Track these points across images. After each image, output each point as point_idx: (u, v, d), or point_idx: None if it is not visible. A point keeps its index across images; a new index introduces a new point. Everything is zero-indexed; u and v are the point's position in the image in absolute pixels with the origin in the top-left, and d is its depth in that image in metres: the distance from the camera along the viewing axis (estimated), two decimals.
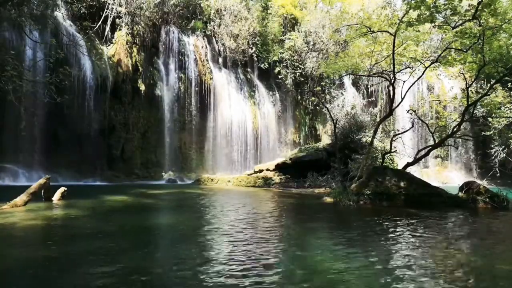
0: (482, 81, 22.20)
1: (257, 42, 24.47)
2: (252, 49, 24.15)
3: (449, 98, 22.50)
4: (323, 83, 25.58)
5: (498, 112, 18.04)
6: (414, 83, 13.71)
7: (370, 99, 26.16)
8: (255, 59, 25.00)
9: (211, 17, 23.46)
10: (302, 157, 17.75)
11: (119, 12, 19.38)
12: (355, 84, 27.88)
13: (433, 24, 12.12)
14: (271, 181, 16.55)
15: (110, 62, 18.71)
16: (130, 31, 19.73)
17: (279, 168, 17.54)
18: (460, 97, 20.01)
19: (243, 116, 23.20)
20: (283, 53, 25.21)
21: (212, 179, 17.56)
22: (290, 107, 26.34)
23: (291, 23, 26.78)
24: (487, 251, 5.08)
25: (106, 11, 18.87)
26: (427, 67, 12.97)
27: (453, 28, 11.26)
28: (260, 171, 17.90)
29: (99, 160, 17.81)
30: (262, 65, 24.93)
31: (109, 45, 19.28)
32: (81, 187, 13.86)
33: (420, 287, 3.51)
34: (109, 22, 19.10)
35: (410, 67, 13.84)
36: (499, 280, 3.87)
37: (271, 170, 17.60)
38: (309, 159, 17.46)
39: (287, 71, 25.33)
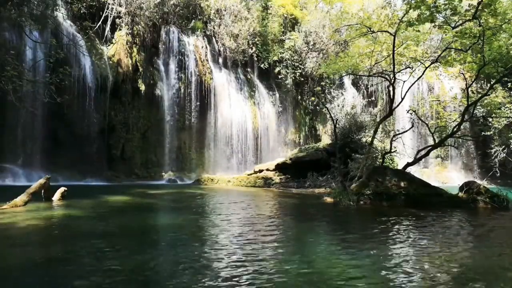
0: (482, 81, 22.20)
1: (257, 42, 24.46)
2: (252, 49, 24.14)
3: (449, 98, 22.48)
4: (323, 83, 25.57)
5: (498, 112, 18.04)
6: (414, 83, 13.70)
7: (370, 99, 26.14)
8: (255, 59, 24.99)
9: (211, 17, 23.45)
10: (302, 157, 17.74)
11: (119, 12, 19.37)
12: (355, 84, 27.87)
13: (433, 24, 12.13)
14: (271, 181, 16.54)
15: (110, 62, 18.71)
16: (130, 31, 19.72)
17: (279, 168, 17.53)
18: (460, 97, 20.00)
19: (243, 116, 23.20)
20: (283, 53, 25.21)
21: (212, 179, 17.55)
22: (290, 107, 26.33)
23: (291, 23, 26.77)
24: (487, 251, 5.08)
25: (106, 11, 18.87)
26: (427, 67, 12.98)
27: (453, 28, 11.27)
28: (260, 171, 17.90)
29: (99, 160, 17.81)
30: (262, 65, 24.92)
31: (109, 45, 19.27)
32: (81, 187, 13.86)
33: (420, 286, 3.51)
34: (109, 22, 19.10)
35: (410, 67, 13.84)
36: (499, 280, 3.87)
37: (271, 170, 17.59)
38: (309, 159, 17.46)
39: (287, 71, 25.32)
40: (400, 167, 13.48)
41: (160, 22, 21.24)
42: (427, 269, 4.05)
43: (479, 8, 10.12)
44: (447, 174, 25.13)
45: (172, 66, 21.24)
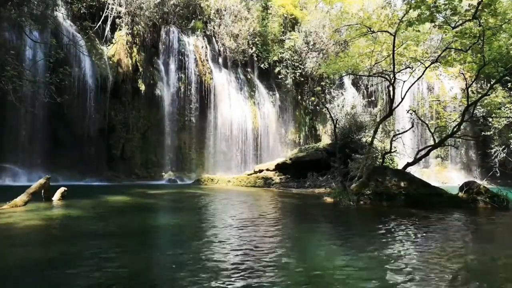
0: (482, 81, 22.20)
1: (257, 42, 24.46)
2: (252, 49, 24.14)
3: (449, 98, 22.48)
4: (323, 83, 25.57)
5: (498, 112, 18.04)
6: (414, 83, 13.70)
7: (370, 99, 26.14)
8: (255, 59, 24.99)
9: (211, 17, 23.45)
10: (302, 157, 17.74)
11: (119, 12, 19.37)
12: (355, 84, 27.87)
13: (433, 24, 12.13)
14: (271, 181, 16.54)
15: (110, 62, 18.71)
16: (130, 31, 19.72)
17: (279, 168, 17.53)
18: (460, 97, 20.00)
19: (243, 116, 23.20)
20: (283, 53, 25.21)
21: (212, 179, 17.55)
22: (290, 107, 26.32)
23: (291, 23, 26.77)
24: (487, 251, 5.08)
25: (106, 11, 18.87)
26: (427, 67, 12.97)
27: (453, 28, 11.27)
28: (260, 171, 17.90)
29: (99, 160, 17.80)
30: (262, 65, 24.91)
31: (109, 45, 19.27)
32: (81, 187, 13.86)
33: (421, 287, 3.51)
34: (109, 22, 19.10)
35: (410, 67, 13.84)
36: (500, 280, 3.87)
37: (271, 170, 17.59)
38: (309, 159, 17.46)
39: (287, 71, 25.32)
40: (400, 167, 13.49)
41: (160, 22, 21.23)
42: (428, 269, 4.05)
43: (479, 8, 10.12)
44: (447, 174, 25.13)
45: (172, 66, 21.23)
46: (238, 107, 23.11)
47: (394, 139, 13.57)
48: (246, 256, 4.36)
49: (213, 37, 23.44)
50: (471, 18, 10.53)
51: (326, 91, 25.16)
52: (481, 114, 18.02)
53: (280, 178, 16.77)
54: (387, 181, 10.21)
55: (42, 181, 8.50)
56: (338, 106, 20.41)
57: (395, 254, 4.68)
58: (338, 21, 17.79)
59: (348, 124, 18.16)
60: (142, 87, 19.90)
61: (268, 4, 26.02)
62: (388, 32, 12.52)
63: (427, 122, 15.28)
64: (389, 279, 3.70)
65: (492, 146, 21.80)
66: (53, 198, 8.84)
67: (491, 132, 20.64)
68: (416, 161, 12.23)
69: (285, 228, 6.71)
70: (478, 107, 15.82)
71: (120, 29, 19.54)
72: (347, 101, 21.52)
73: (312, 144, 22.97)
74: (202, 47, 22.57)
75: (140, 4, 19.72)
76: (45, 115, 15.80)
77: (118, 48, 19.21)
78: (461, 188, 10.44)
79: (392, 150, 13.16)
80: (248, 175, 17.85)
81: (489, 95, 14.68)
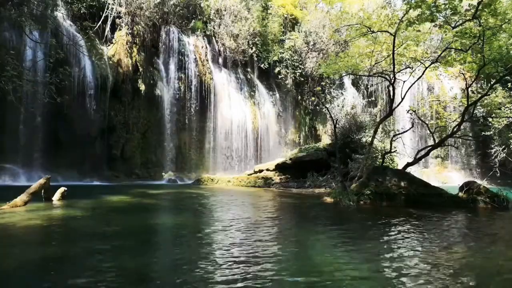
0: (482, 81, 22.19)
1: (257, 42, 24.46)
2: (252, 49, 24.15)
3: (449, 98, 22.48)
4: (323, 83, 25.57)
5: (498, 112, 18.03)
6: (414, 83, 13.70)
7: (370, 99, 26.15)
8: (255, 59, 25.00)
9: (211, 17, 23.46)
10: (302, 157, 17.74)
11: (119, 12, 19.38)
12: (355, 84, 27.88)
13: (433, 24, 12.12)
14: (271, 181, 16.55)
15: (110, 62, 18.71)
16: (130, 31, 19.72)
17: (279, 168, 17.54)
18: (460, 97, 20.00)
19: (243, 116, 23.20)
20: (283, 53, 25.22)
21: (212, 179, 17.56)
22: (290, 107, 26.34)
23: (291, 23, 26.78)
24: (487, 251, 5.08)
25: (106, 11, 18.87)
26: (427, 67, 12.96)
27: (453, 28, 11.26)
28: (260, 171, 17.90)
29: (99, 160, 17.81)
30: (262, 65, 24.93)
31: (109, 45, 19.27)
32: (81, 187, 13.86)
33: (419, 287, 3.51)
34: (109, 22, 19.10)
35: (410, 67, 13.83)
36: (498, 279, 3.87)
37: (271, 170, 17.60)
38: (309, 159, 17.46)
39: (287, 71, 25.33)
40: (400, 167, 13.48)
41: (160, 22, 21.23)
42: (426, 269, 4.04)
43: (479, 8, 10.11)
44: (447, 174, 25.13)
45: (172, 66, 21.24)
46: (238, 107, 23.12)
47: (394, 139, 13.56)
48: (245, 257, 4.35)
49: (213, 37, 23.45)
50: (471, 18, 10.52)
51: (326, 91, 25.16)
52: (481, 114, 18.02)
53: (280, 178, 16.77)
54: (387, 181, 10.21)
55: (42, 181, 8.50)
56: (338, 106, 20.41)
57: (396, 255, 4.68)
58: (338, 21, 17.77)
59: (348, 124, 18.16)
60: (142, 87, 19.90)
61: (268, 4, 26.03)
62: (388, 32, 12.51)
63: (427, 122, 15.26)
64: (388, 279, 3.70)
65: (492, 146, 21.79)
66: (53, 198, 8.84)
67: (491, 132, 20.64)
68: (416, 161, 12.22)
69: (285, 228, 6.71)
70: (478, 107, 15.82)
71: (120, 29, 19.54)
72: (347, 101, 21.53)
73: (312, 144, 22.97)
74: (202, 47, 22.57)
75: (140, 4, 19.73)
76: (45, 115, 15.80)
77: (118, 48, 19.21)
78: (461, 188, 10.44)
79: (392, 150, 13.16)
80: (248, 175, 17.86)
81: (489, 95, 14.68)
